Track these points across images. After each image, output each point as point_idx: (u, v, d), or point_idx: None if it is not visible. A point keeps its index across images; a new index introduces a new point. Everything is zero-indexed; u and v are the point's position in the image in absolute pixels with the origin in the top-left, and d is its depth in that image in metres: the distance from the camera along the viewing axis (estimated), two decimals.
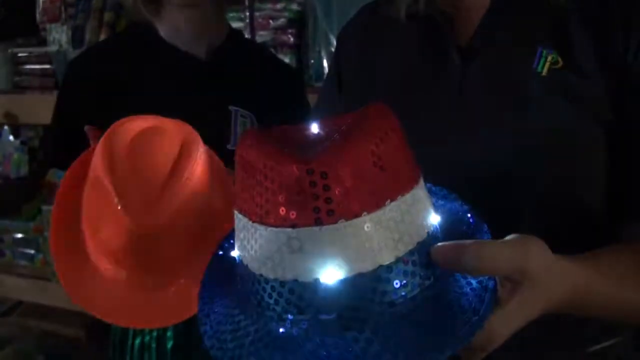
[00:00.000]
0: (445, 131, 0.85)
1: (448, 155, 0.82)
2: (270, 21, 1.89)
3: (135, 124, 0.88)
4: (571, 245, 0.66)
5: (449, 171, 0.75)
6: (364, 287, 0.52)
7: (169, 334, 1.24)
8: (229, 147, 1.23)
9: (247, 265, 0.57)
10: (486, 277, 0.57)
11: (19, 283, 2.36)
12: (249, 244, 0.56)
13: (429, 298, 0.55)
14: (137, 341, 1.25)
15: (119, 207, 0.79)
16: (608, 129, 0.80)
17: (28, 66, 2.30)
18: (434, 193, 0.67)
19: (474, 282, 0.57)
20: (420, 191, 0.58)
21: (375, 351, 0.52)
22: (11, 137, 2.76)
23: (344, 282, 0.52)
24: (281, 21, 1.88)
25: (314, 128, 0.59)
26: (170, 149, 0.86)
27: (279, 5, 1.89)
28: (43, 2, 2.06)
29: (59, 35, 2.12)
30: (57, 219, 0.93)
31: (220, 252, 0.70)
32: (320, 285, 0.52)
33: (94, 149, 0.91)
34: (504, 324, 0.58)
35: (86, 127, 1.00)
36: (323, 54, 1.82)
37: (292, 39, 1.88)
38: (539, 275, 0.58)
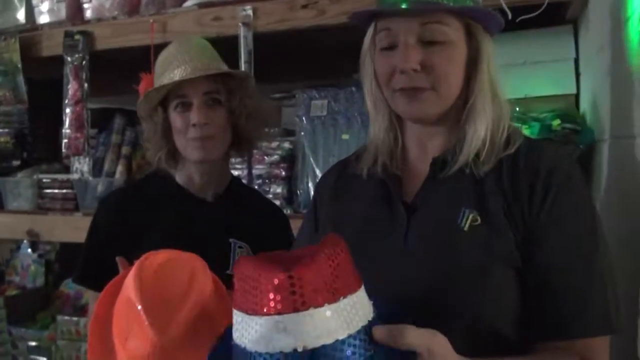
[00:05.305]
0: (391, 269, 1.08)
1: (392, 286, 1.05)
2: (265, 157, 2.18)
3: (158, 257, 1.14)
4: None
5: (393, 295, 1.00)
6: (327, 354, 0.79)
7: None
8: (228, 272, 1.47)
9: (244, 348, 0.82)
10: (408, 351, 0.84)
11: None
12: (247, 332, 0.82)
13: None
14: None
15: (147, 323, 1.03)
16: (518, 272, 1.03)
17: (51, 190, 2.53)
18: (375, 300, 0.93)
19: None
20: (362, 293, 0.86)
21: None
22: (29, 250, 3.03)
23: (312, 350, 0.78)
24: (274, 157, 2.18)
25: (291, 253, 0.88)
26: (185, 276, 1.11)
27: (273, 144, 2.19)
28: (69, 137, 2.32)
29: (80, 166, 2.39)
30: (93, 329, 1.17)
31: (218, 344, 0.96)
32: (297, 355, 0.78)
33: (123, 275, 1.17)
34: None
35: (118, 259, 1.26)
36: (310, 185, 2.08)
37: (283, 173, 2.16)
38: (441, 357, 0.85)
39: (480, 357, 0.93)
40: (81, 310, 2.74)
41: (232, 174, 1.72)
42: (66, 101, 2.32)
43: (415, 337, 0.83)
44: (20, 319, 2.74)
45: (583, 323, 1.00)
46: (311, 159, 2.12)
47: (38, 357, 2.62)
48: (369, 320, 0.84)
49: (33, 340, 2.64)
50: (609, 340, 1.03)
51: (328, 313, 0.79)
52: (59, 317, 2.58)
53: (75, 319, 2.56)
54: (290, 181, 2.17)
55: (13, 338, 2.68)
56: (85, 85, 2.31)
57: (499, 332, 1.03)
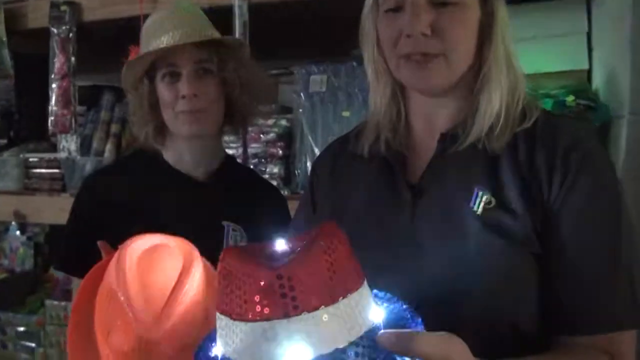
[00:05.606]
0: (397, 259, 0.98)
1: (398, 280, 0.92)
2: (261, 135, 2.08)
3: (143, 242, 1.04)
4: (500, 355, 0.81)
5: (399, 290, 0.90)
6: None
7: None
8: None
9: (229, 358, 0.72)
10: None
11: None
12: (231, 339, 0.71)
13: None
14: None
15: (131, 317, 0.94)
16: (538, 259, 0.93)
17: (38, 170, 2.44)
18: (380, 297, 0.83)
19: None
20: (364, 290, 0.74)
21: None
22: (18, 232, 2.94)
23: None
24: (271, 135, 2.08)
25: (283, 244, 0.76)
26: (173, 263, 1.02)
27: (269, 121, 2.09)
28: (55, 114, 2.22)
29: (68, 144, 2.28)
30: (73, 321, 1.08)
31: (206, 342, 0.84)
32: None
33: (106, 261, 1.08)
34: None
35: (99, 243, 1.16)
36: (308, 165, 1.98)
37: (280, 152, 2.07)
38: None
39: (501, 359, 0.82)
40: (71, 294, 2.64)
41: (225, 152, 1.62)
42: (52, 76, 2.22)
43: (429, 344, 0.70)
44: (9, 304, 2.67)
45: (608, 317, 0.91)
46: (310, 137, 2.02)
47: (26, 343, 2.56)
48: (373, 323, 0.73)
49: (21, 325, 2.58)
50: (635, 334, 0.95)
51: (325, 317, 0.68)
52: (48, 302, 2.52)
53: (63, 303, 2.49)
54: (288, 160, 2.08)
55: (2, 323, 2.61)
56: (73, 59, 2.21)
57: (519, 327, 0.94)
